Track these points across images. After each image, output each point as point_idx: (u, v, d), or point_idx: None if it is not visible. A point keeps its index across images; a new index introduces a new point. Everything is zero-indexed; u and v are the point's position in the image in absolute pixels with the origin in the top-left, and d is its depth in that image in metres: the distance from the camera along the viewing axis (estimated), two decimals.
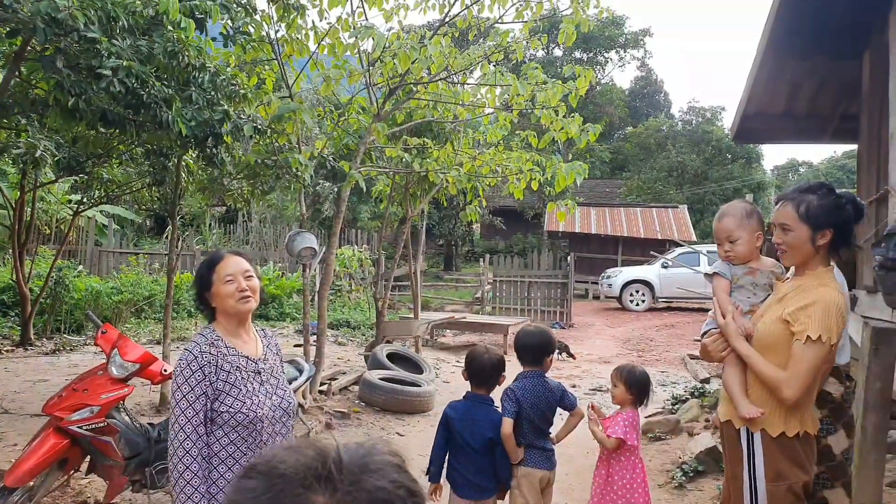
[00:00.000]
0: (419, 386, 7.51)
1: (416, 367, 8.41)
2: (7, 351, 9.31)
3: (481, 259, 18.54)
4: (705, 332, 2.74)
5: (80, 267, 13.62)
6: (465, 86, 7.66)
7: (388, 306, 15.52)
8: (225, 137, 5.88)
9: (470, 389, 3.46)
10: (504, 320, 12.97)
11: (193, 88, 5.48)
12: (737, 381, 2.57)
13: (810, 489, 2.53)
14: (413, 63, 6.79)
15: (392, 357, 8.34)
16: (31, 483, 3.71)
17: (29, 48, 5.09)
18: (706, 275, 2.83)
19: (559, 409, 3.49)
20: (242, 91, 5.27)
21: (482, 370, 3.40)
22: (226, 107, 5.62)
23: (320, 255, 8.26)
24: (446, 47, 6.72)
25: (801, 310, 2.37)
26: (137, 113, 5.16)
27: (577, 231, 22.95)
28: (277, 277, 14.20)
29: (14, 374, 8.03)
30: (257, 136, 6.13)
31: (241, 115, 5.86)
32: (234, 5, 6.47)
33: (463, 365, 3.52)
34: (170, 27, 4.48)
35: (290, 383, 4.71)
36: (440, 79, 7.29)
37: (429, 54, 6.60)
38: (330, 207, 20.51)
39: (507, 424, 3.27)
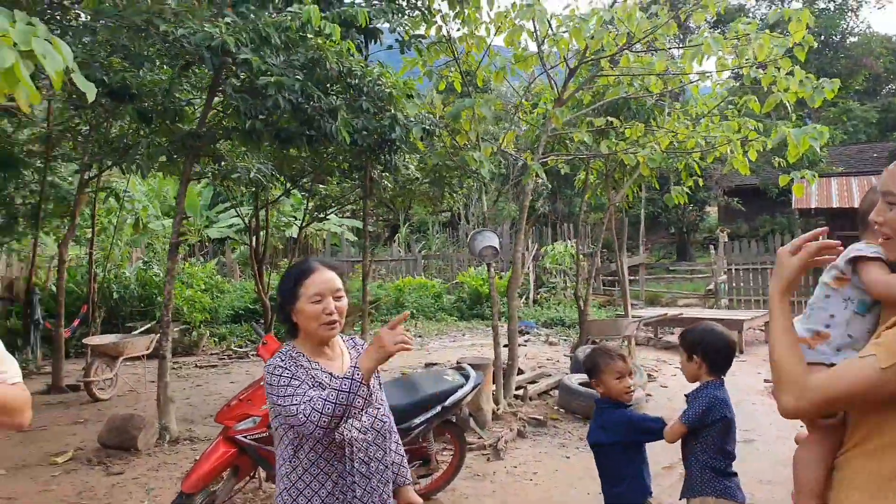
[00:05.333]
0: None
1: None
2: (254, 356, 10.46)
3: (711, 246, 16.79)
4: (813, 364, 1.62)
5: None
6: (651, 54, 6.81)
7: (604, 304, 14.77)
8: (397, 143, 5.86)
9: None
10: (738, 314, 11.48)
11: (364, 97, 5.53)
12: (815, 474, 1.61)
13: None
14: (591, 38, 6.20)
15: None
16: (213, 489, 3.92)
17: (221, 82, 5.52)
18: (851, 259, 1.65)
19: None
20: (388, 90, 5.15)
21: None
22: (393, 111, 5.58)
23: (533, 252, 8.04)
24: (625, 12, 6.00)
25: (891, 327, 1.46)
26: (310, 128, 5.31)
27: (834, 206, 19.74)
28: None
29: (252, 376, 8.95)
30: (427, 138, 6.03)
31: (411, 120, 5.80)
32: (408, 11, 6.46)
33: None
34: (310, 35, 4.49)
35: (455, 391, 4.50)
36: (625, 48, 6.55)
37: (606, 21, 5.96)
38: (544, 203, 20.23)
39: None
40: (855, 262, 1.64)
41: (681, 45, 6.82)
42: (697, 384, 2.84)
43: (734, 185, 22.40)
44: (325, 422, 2.01)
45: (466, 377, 4.56)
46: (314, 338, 2.24)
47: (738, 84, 11.13)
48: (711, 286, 15.32)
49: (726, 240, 16.40)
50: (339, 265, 2.41)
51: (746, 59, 6.54)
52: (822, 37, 26.45)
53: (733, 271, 14.90)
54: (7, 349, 1.95)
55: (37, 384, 8.11)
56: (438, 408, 4.30)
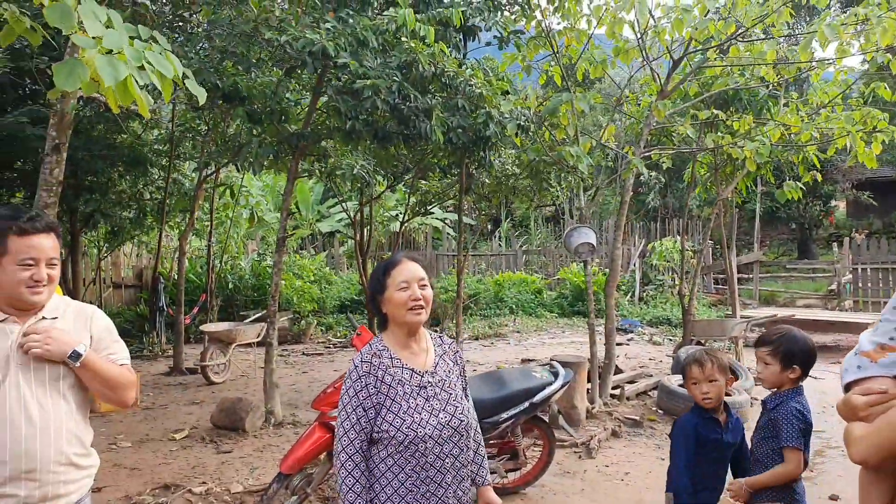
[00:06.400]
0: (729, 395, 6.51)
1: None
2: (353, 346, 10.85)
3: (834, 243, 15.61)
4: (853, 381, 1.54)
5: None
6: (764, 42, 6.42)
7: (715, 303, 14.09)
8: (492, 140, 5.88)
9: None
10: (863, 317, 10.65)
11: (460, 96, 5.59)
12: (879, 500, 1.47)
13: None
14: (695, 28, 5.94)
15: None
16: (310, 471, 4.13)
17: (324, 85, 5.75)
18: None
19: None
20: (478, 90, 5.16)
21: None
22: (487, 109, 5.61)
23: (640, 249, 7.73)
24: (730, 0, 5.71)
25: None
26: (407, 127, 5.44)
27: None
28: (594, 273, 13.98)
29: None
30: (523, 133, 6.00)
31: (505, 116, 5.79)
32: (506, 7, 6.45)
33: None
34: (404, 38, 4.59)
35: (544, 388, 4.48)
36: (734, 37, 6.23)
37: (711, 11, 5.69)
38: (655, 198, 19.55)
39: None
40: None
41: (799, 33, 6.38)
42: (773, 391, 2.75)
43: (864, 178, 20.66)
44: (340, 479, 2.21)
45: (556, 374, 4.54)
46: (402, 326, 2.34)
47: (867, 71, 10.29)
48: (834, 286, 14.27)
49: (862, 240, 15.15)
50: (423, 259, 2.52)
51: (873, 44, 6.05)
52: None
53: (859, 270, 13.81)
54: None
55: (160, 366, 8.82)
56: (526, 404, 4.31)
